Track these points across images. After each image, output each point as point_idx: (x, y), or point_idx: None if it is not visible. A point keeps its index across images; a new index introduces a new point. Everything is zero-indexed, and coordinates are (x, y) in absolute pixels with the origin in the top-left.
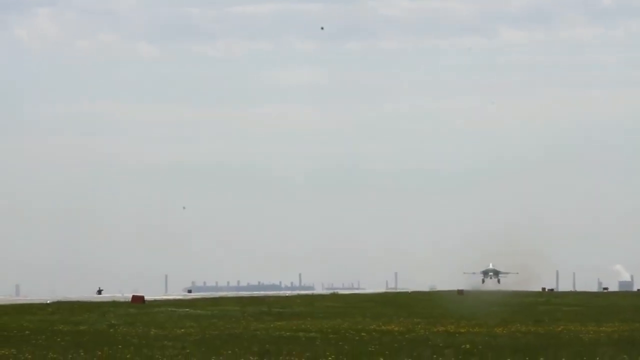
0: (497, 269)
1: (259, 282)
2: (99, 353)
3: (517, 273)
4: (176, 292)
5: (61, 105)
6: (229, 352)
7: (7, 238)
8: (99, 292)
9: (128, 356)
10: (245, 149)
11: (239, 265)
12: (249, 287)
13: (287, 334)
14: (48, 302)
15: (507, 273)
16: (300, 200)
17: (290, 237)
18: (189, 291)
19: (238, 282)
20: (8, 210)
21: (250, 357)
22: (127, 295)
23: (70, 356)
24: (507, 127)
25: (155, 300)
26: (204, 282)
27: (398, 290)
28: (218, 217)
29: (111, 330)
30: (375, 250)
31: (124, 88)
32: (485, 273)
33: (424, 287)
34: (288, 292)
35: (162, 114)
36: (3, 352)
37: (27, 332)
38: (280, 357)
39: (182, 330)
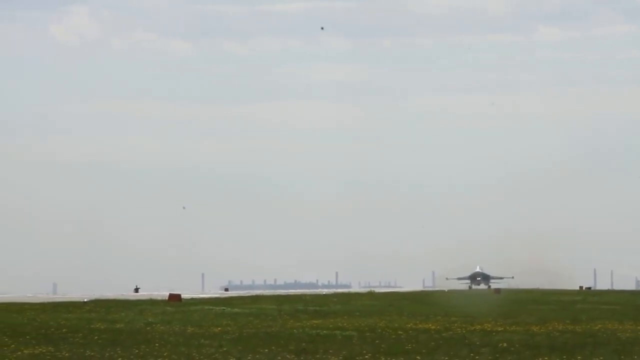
0: (487, 273)
1: (296, 281)
2: (136, 351)
3: (512, 277)
4: (213, 291)
5: (95, 104)
6: (266, 350)
7: (44, 236)
8: (136, 290)
9: (165, 354)
10: (281, 147)
11: (275, 263)
12: (285, 286)
13: (324, 332)
14: (85, 300)
15: (500, 278)
16: (336, 199)
17: (327, 236)
18: (226, 289)
19: (275, 280)
20: (45, 210)
21: (287, 356)
22: (164, 294)
23: (107, 354)
24: (544, 124)
25: (192, 299)
26: (241, 281)
27: (435, 289)
28: (254, 216)
29: (148, 328)
30: (412, 249)
31: (158, 86)
32: (473, 278)
33: (460, 286)
34: (325, 291)
35: (194, 112)
36: (40, 350)
37: (64, 330)
38: (317, 356)
39: (219, 328)
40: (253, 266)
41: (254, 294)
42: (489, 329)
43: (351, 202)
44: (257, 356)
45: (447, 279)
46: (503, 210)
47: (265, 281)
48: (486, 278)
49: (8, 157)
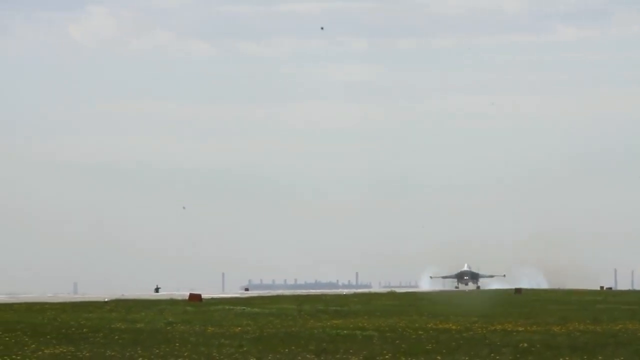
0: (476, 271)
1: (316, 281)
2: (156, 351)
3: (504, 275)
4: (233, 291)
5: (115, 104)
6: (286, 350)
7: (64, 236)
8: (157, 290)
9: (185, 354)
10: (299, 148)
11: (295, 263)
12: (305, 285)
13: (344, 332)
14: (106, 300)
15: (490, 276)
16: (356, 199)
17: (347, 235)
18: (246, 289)
19: (295, 280)
20: (65, 210)
21: (307, 356)
22: (185, 294)
23: (127, 354)
24: (565, 124)
25: (212, 299)
26: (261, 280)
27: (455, 289)
28: (275, 216)
29: (168, 328)
30: (432, 249)
31: (178, 86)
32: (460, 277)
33: (481, 285)
34: (345, 291)
35: (216, 112)
36: (61, 349)
37: (85, 329)
38: (337, 356)
39: (239, 328)
40: (273, 266)
41: (274, 294)
42: (509, 329)
43: (372, 201)
44: (278, 356)
45: (431, 277)
46: (526, 210)
47: (285, 281)
48: (475, 277)
49: (27, 159)
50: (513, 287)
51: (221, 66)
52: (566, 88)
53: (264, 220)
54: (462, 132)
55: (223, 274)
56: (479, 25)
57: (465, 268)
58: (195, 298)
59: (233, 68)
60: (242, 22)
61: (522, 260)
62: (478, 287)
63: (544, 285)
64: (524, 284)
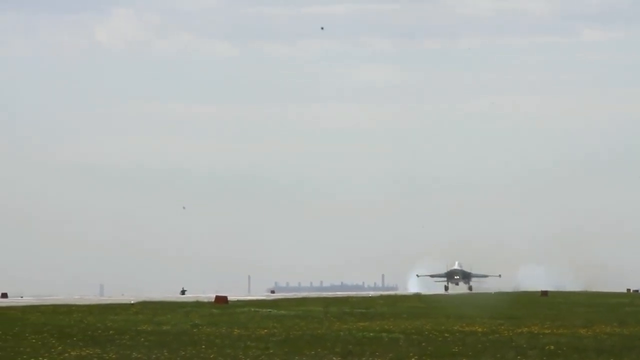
0: (468, 270)
1: (342, 283)
2: (183, 353)
3: (500, 276)
4: (259, 293)
5: (142, 105)
6: (312, 352)
7: (91, 238)
8: (183, 292)
9: (211, 356)
10: (323, 149)
11: (321, 265)
12: (331, 288)
13: (370, 334)
14: (132, 302)
15: (484, 276)
16: (382, 200)
17: (374, 237)
18: (272, 291)
19: (321, 282)
20: (90, 213)
21: (333, 358)
22: (211, 296)
23: (153, 356)
24: (590, 124)
25: (238, 301)
26: (287, 283)
27: (481, 291)
28: (301, 218)
29: (194, 330)
30: (458, 251)
31: (202, 88)
32: (450, 276)
33: (507, 287)
34: (371, 293)
35: (240, 113)
36: (87, 351)
37: (111, 332)
38: (363, 358)
39: (265, 330)
40: (299, 268)
41: (300, 296)
42: (535, 332)
43: (398, 202)
44: (303, 358)
45: (417, 275)
46: (550, 209)
47: (311, 283)
48: (466, 276)
49: (50, 162)
50: (511, 287)
51: (245, 67)
52: (592, 89)
53: (289, 223)
54: (490, 132)
55: (249, 276)
56: (504, 26)
57: (456, 267)
58: (221, 300)
59: (257, 69)
60: (267, 23)
61: (541, 259)
62: (470, 288)
63: (550, 287)
64: (526, 285)
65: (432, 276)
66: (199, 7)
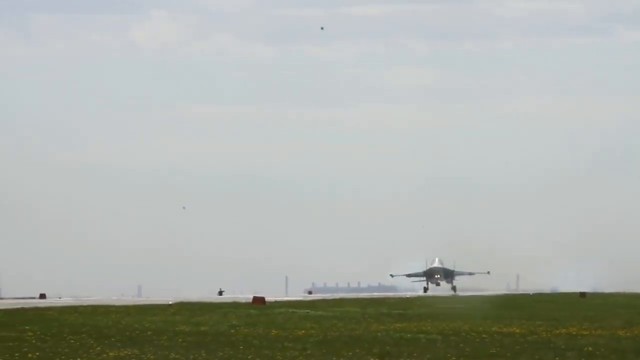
0: (450, 267)
1: (379, 284)
2: (220, 354)
3: (488, 272)
4: (296, 294)
5: (179, 108)
6: (350, 353)
7: (129, 238)
8: (220, 293)
9: (249, 357)
10: (357, 150)
11: (359, 266)
12: (369, 289)
13: (408, 335)
14: (170, 302)
15: (470, 273)
16: (418, 201)
17: (411, 239)
18: (309, 292)
19: (358, 283)
20: (128, 215)
21: (371, 359)
22: (248, 297)
23: (191, 356)
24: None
25: (275, 302)
26: (324, 283)
27: (519, 292)
28: (338, 219)
29: (232, 331)
30: (496, 252)
31: (239, 90)
32: (430, 275)
33: (545, 288)
34: (408, 294)
35: (277, 115)
36: (126, 352)
37: (149, 332)
38: (401, 359)
39: (303, 331)
40: (336, 269)
41: (337, 297)
42: (574, 333)
43: (433, 205)
44: (341, 359)
45: (391, 275)
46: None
47: (348, 284)
48: (449, 274)
49: (84, 165)
50: (504, 287)
51: (281, 69)
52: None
53: (327, 224)
54: (533, 133)
55: (286, 277)
56: (541, 27)
57: (436, 264)
58: (258, 301)
59: (293, 71)
60: (304, 25)
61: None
62: (454, 288)
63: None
64: (528, 286)
65: (408, 275)
66: (234, 8)
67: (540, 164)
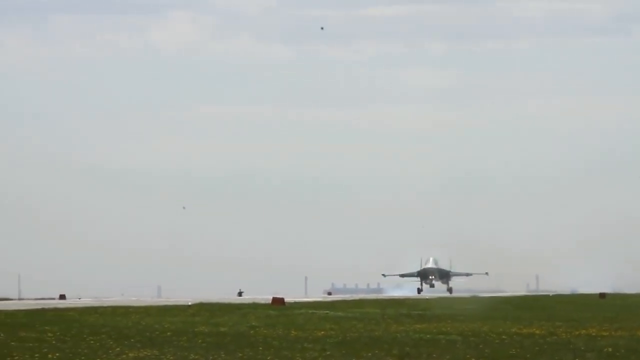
0: (447, 268)
1: (398, 285)
2: (240, 355)
3: (487, 273)
4: (316, 294)
5: (198, 109)
6: (369, 354)
7: (149, 240)
8: (240, 294)
9: (269, 358)
10: (377, 151)
11: (378, 267)
12: (388, 290)
13: (427, 336)
14: (189, 303)
15: (467, 274)
16: (437, 202)
17: (430, 240)
18: (329, 293)
19: (378, 284)
20: (148, 217)
21: None
22: (268, 297)
23: (211, 357)
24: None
25: (295, 302)
26: (344, 284)
27: (539, 293)
28: (357, 220)
29: (252, 332)
30: (515, 252)
31: (259, 91)
32: (424, 276)
33: (565, 289)
34: (428, 295)
35: (294, 116)
36: (145, 352)
37: (168, 333)
38: None
39: (322, 332)
40: (356, 270)
41: (357, 298)
42: (593, 334)
43: (453, 205)
44: None
45: (384, 275)
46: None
47: (368, 285)
48: (444, 275)
49: (100, 167)
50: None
51: (300, 70)
52: None
53: (346, 225)
54: (554, 133)
55: (306, 278)
56: (559, 27)
57: (430, 264)
58: (278, 302)
59: (311, 72)
60: (323, 25)
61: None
62: (450, 290)
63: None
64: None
65: (402, 276)
66: (255, 10)
67: (564, 163)
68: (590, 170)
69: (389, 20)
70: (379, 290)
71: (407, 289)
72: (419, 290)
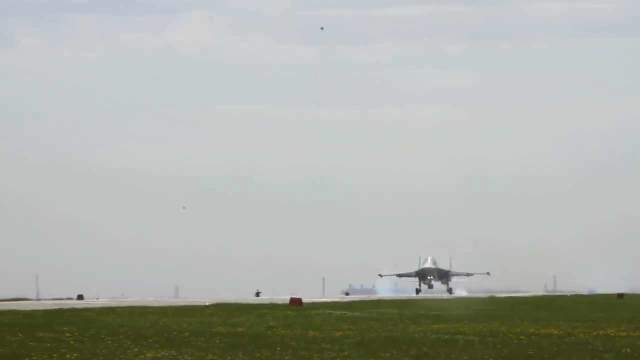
0: (446, 267)
1: (395, 285)
2: (257, 355)
3: (488, 273)
4: (333, 295)
5: (215, 109)
6: (387, 354)
7: (167, 239)
8: (257, 294)
9: (286, 358)
10: (394, 151)
11: (395, 268)
12: (405, 290)
13: (445, 336)
14: (207, 303)
15: (468, 274)
16: (454, 202)
17: (447, 240)
18: (346, 294)
19: (395, 284)
20: (165, 217)
21: None
22: (285, 298)
23: (228, 358)
24: None
25: (312, 303)
26: (361, 285)
27: (557, 294)
28: (375, 221)
29: (269, 332)
30: (533, 253)
31: (276, 91)
32: (422, 276)
33: (583, 290)
34: (445, 295)
35: (311, 116)
36: (163, 353)
37: (186, 333)
38: None
39: (340, 332)
40: (374, 270)
41: (374, 298)
42: (612, 334)
43: (465, 206)
44: None
45: (380, 275)
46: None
47: (362, 285)
48: (444, 275)
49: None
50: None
51: (317, 71)
52: None
53: (364, 225)
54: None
55: (323, 278)
56: (577, 27)
57: (429, 264)
58: (295, 302)
59: (328, 73)
60: (340, 26)
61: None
62: (450, 290)
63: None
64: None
65: (399, 275)
66: (269, 11)
67: (580, 163)
68: (599, 170)
69: (403, 21)
70: (396, 290)
71: (403, 290)
72: (417, 291)
